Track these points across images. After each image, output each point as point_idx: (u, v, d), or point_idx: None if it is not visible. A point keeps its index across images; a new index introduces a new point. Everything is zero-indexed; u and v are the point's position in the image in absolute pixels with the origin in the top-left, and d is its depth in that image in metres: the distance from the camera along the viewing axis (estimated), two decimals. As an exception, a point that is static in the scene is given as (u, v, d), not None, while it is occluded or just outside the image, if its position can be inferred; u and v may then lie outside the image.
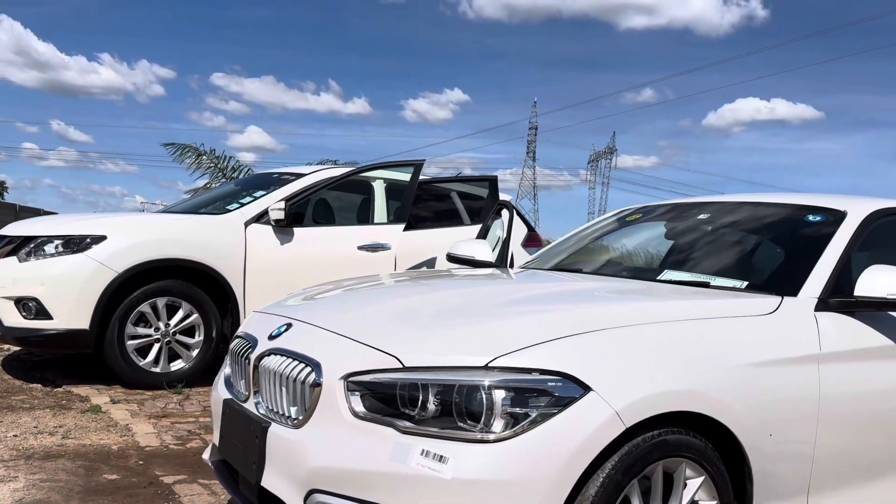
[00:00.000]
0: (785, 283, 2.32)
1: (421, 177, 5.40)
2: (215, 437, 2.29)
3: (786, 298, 2.22)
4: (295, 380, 1.90)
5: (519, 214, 6.10)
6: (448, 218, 5.73)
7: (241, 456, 2.04)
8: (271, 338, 2.09)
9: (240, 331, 2.40)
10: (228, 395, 2.23)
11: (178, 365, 4.56)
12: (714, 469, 1.87)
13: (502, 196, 5.89)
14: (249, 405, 2.07)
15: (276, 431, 1.90)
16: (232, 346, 2.35)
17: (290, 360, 1.95)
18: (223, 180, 10.63)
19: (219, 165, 10.85)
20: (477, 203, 5.88)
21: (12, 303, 4.31)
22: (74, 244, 4.34)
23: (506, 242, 4.03)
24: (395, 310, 2.14)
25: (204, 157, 10.73)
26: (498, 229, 4.49)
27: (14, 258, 4.42)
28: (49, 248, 4.38)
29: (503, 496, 1.60)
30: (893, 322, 2.33)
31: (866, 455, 2.22)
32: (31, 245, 4.41)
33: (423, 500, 1.61)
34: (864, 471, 2.22)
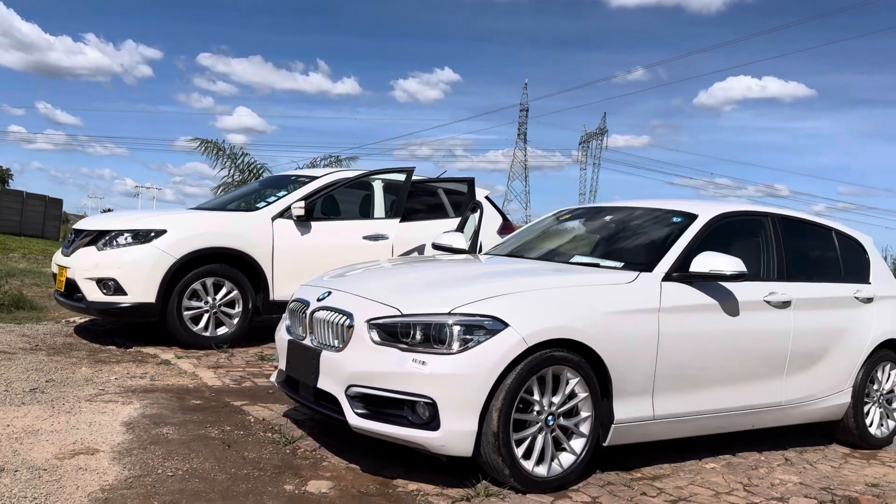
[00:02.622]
0: (646, 263, 3.60)
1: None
2: (282, 364, 3.57)
3: (643, 273, 3.50)
4: (337, 324, 3.17)
5: (495, 207, 7.40)
6: (435, 211, 6.96)
7: (302, 371, 3.31)
8: (319, 300, 3.36)
9: (294, 296, 3.67)
10: (290, 337, 3.51)
11: (222, 330, 5.82)
12: (585, 374, 3.15)
13: (479, 190, 7.14)
14: (307, 341, 3.35)
15: (325, 354, 3.17)
16: (290, 306, 3.62)
17: (333, 312, 3.22)
18: (234, 171, 11.97)
19: (235, 162, 12.14)
20: (459, 198, 7.12)
21: (94, 283, 5.54)
22: (142, 236, 5.58)
23: (476, 234, 5.30)
24: (396, 282, 3.42)
25: (223, 152, 12.04)
26: (472, 222, 5.78)
27: (93, 248, 5.65)
28: (121, 240, 5.61)
29: (457, 383, 2.88)
30: (714, 288, 3.62)
31: (690, 372, 3.51)
32: (106, 237, 5.65)
33: (413, 385, 2.89)
34: (689, 382, 3.52)
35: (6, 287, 7.64)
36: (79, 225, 6.19)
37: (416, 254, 6.46)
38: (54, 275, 6.09)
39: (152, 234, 5.58)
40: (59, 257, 6.04)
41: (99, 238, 5.67)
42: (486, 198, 7.31)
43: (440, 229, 6.27)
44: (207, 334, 5.74)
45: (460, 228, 5.82)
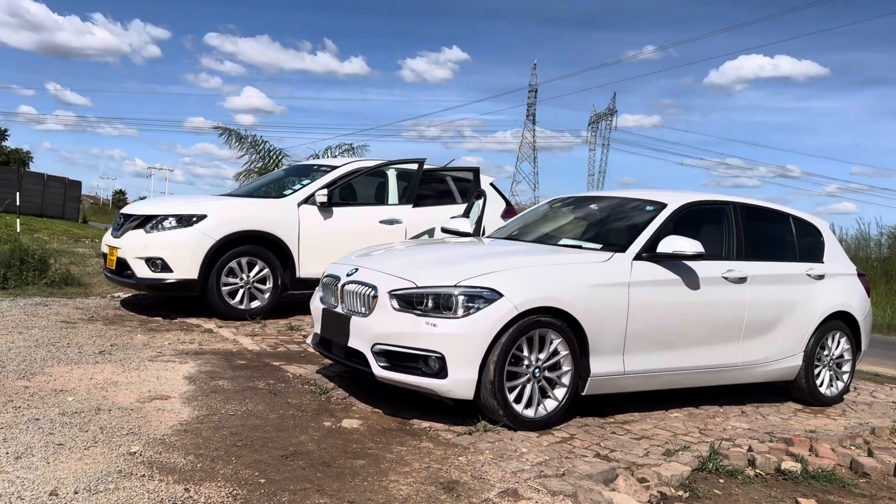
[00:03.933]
0: (620, 245, 4.30)
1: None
2: (317, 328, 4.31)
3: (617, 253, 4.20)
4: (363, 294, 3.90)
5: (499, 193, 8.09)
6: (444, 197, 7.67)
7: (335, 333, 4.05)
8: (348, 275, 4.09)
9: (326, 272, 4.40)
10: (324, 306, 4.24)
11: (255, 304, 6.57)
12: (566, 336, 3.87)
13: (484, 178, 7.84)
14: (338, 309, 4.08)
15: (354, 319, 3.90)
16: (323, 280, 4.36)
17: (360, 285, 3.94)
18: (255, 158, 12.74)
19: (257, 148, 12.90)
20: (466, 184, 7.81)
21: (143, 261, 6.29)
22: (185, 220, 6.32)
23: (480, 219, 6.01)
24: (412, 260, 4.14)
25: (245, 140, 12.81)
26: (477, 208, 6.48)
27: (141, 231, 6.40)
28: (167, 224, 6.35)
29: (462, 341, 3.60)
30: (679, 266, 4.32)
31: (656, 335, 4.22)
32: (153, 221, 6.39)
33: (426, 343, 3.62)
34: (655, 343, 4.23)
35: (56, 266, 8.42)
36: (126, 210, 6.95)
37: (426, 236, 7.17)
38: (104, 254, 6.85)
39: (194, 218, 6.31)
40: (109, 238, 6.79)
41: (146, 222, 6.41)
42: (491, 184, 8.01)
43: (448, 214, 6.99)
44: (242, 307, 6.49)
45: (466, 214, 6.52)
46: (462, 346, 3.60)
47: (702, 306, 4.42)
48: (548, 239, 4.91)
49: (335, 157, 13.14)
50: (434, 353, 3.61)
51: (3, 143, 46.27)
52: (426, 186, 7.52)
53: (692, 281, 4.36)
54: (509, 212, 8.00)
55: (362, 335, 3.84)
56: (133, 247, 6.36)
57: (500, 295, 3.66)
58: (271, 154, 12.93)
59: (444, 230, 5.70)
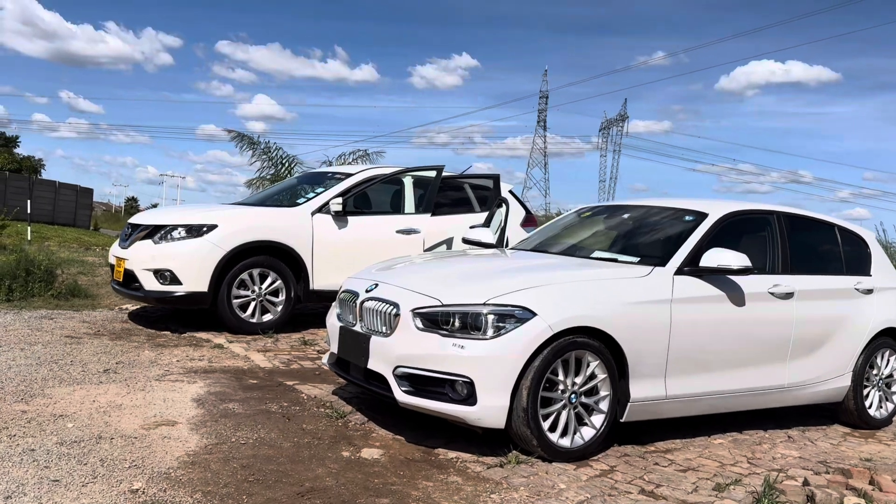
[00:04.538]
0: (660, 258, 3.99)
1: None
2: (333, 348, 4.02)
3: (657, 268, 3.89)
4: (385, 312, 3.61)
5: (518, 200, 7.79)
6: (462, 205, 7.38)
7: (354, 353, 3.76)
8: (367, 291, 3.80)
9: (343, 288, 4.12)
10: (341, 324, 3.95)
11: (268, 317, 6.30)
12: (604, 358, 3.56)
13: (505, 186, 7.55)
14: (357, 328, 3.79)
15: (375, 339, 3.61)
16: (340, 296, 4.07)
17: (381, 302, 3.66)
18: (268, 164, 12.53)
19: (269, 155, 12.66)
20: (484, 192, 7.52)
21: (151, 273, 6.04)
22: (195, 231, 6.06)
23: (503, 229, 5.71)
24: (437, 274, 3.85)
25: (258, 145, 12.61)
26: (499, 217, 6.19)
27: (149, 241, 6.14)
28: (176, 234, 6.10)
29: (492, 364, 3.30)
30: (723, 281, 4.00)
31: (699, 356, 3.90)
32: (162, 231, 6.13)
33: (453, 366, 3.32)
34: (698, 365, 3.91)
35: (63, 277, 8.19)
36: (135, 219, 6.70)
37: (444, 247, 6.88)
38: (112, 266, 6.60)
39: (204, 228, 6.06)
40: (116, 249, 6.55)
41: (155, 232, 6.16)
42: (510, 192, 7.71)
43: (467, 223, 6.70)
44: (254, 321, 6.22)
45: (487, 223, 6.23)
46: (492, 369, 3.30)
47: (747, 324, 4.10)
48: (578, 251, 4.61)
49: (349, 163, 12.91)
50: (462, 377, 3.32)
51: (16, 151, 46.48)
52: (443, 194, 7.24)
53: (737, 297, 4.05)
54: (529, 220, 7.69)
55: (383, 357, 3.55)
56: (141, 258, 6.11)
57: (534, 314, 3.37)
58: (284, 161, 12.69)
59: (466, 241, 5.41)
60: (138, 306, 7.35)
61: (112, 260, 6.60)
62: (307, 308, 7.28)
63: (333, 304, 4.23)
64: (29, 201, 20.11)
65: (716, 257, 3.89)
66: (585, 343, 3.49)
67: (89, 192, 35.28)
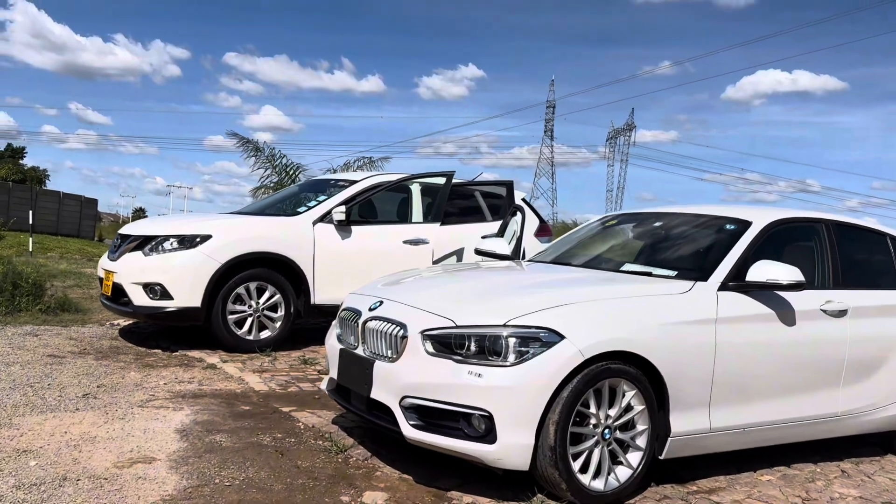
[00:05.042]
0: (700, 271, 3.54)
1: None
2: (333, 373, 3.57)
3: (699, 282, 3.44)
4: (390, 334, 3.17)
5: (532, 209, 7.33)
6: (473, 214, 6.94)
7: (355, 380, 3.32)
8: (371, 309, 3.36)
9: (344, 305, 3.68)
10: (341, 346, 3.51)
11: (265, 334, 5.87)
12: (642, 386, 3.11)
13: (518, 193, 7.11)
14: (359, 351, 3.35)
15: (379, 364, 3.17)
16: (341, 315, 3.63)
17: (386, 322, 3.21)
18: (272, 172, 12.15)
19: (273, 163, 12.27)
20: (496, 200, 7.08)
21: (141, 287, 5.62)
22: (188, 241, 5.64)
23: (519, 239, 5.27)
24: (448, 291, 3.40)
25: (261, 152, 12.23)
26: (514, 227, 5.74)
27: (139, 253, 5.73)
28: (167, 245, 5.68)
29: (514, 396, 2.85)
30: (771, 297, 3.54)
31: (747, 383, 3.44)
32: (153, 242, 5.72)
33: (469, 397, 2.87)
34: (746, 393, 3.45)
35: (51, 290, 7.80)
36: (125, 230, 6.29)
37: (454, 259, 6.44)
38: (101, 279, 6.19)
39: (198, 239, 5.64)
40: (105, 262, 6.14)
41: (145, 243, 5.75)
42: (524, 200, 7.26)
43: (479, 233, 6.26)
44: (251, 338, 5.79)
45: (501, 233, 5.79)
46: (514, 401, 2.85)
47: (799, 346, 3.64)
48: (604, 263, 4.16)
49: (353, 170, 12.49)
50: (479, 410, 2.87)
51: (21, 161, 46.37)
52: (452, 203, 6.81)
53: (787, 316, 3.59)
54: (543, 230, 7.25)
55: (389, 385, 3.10)
56: (130, 271, 5.70)
57: (561, 337, 2.92)
58: (287, 169, 12.29)
59: (479, 252, 4.97)
60: (130, 322, 6.93)
61: (101, 273, 6.20)
62: (308, 324, 6.86)
63: (333, 323, 3.79)
64: (31, 212, 19.79)
65: (765, 271, 3.44)
66: (621, 370, 3.03)
67: (94, 202, 35.01)
